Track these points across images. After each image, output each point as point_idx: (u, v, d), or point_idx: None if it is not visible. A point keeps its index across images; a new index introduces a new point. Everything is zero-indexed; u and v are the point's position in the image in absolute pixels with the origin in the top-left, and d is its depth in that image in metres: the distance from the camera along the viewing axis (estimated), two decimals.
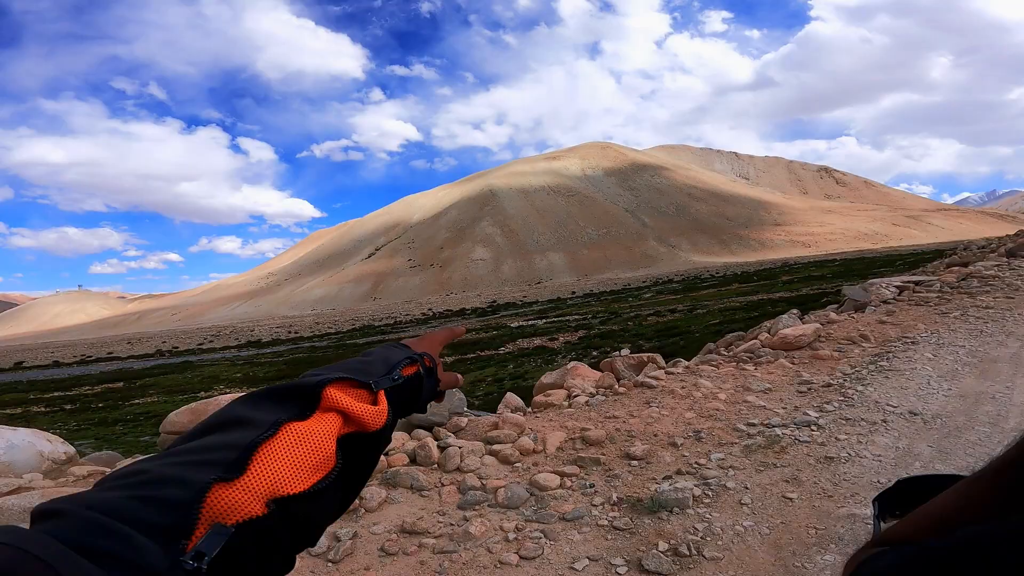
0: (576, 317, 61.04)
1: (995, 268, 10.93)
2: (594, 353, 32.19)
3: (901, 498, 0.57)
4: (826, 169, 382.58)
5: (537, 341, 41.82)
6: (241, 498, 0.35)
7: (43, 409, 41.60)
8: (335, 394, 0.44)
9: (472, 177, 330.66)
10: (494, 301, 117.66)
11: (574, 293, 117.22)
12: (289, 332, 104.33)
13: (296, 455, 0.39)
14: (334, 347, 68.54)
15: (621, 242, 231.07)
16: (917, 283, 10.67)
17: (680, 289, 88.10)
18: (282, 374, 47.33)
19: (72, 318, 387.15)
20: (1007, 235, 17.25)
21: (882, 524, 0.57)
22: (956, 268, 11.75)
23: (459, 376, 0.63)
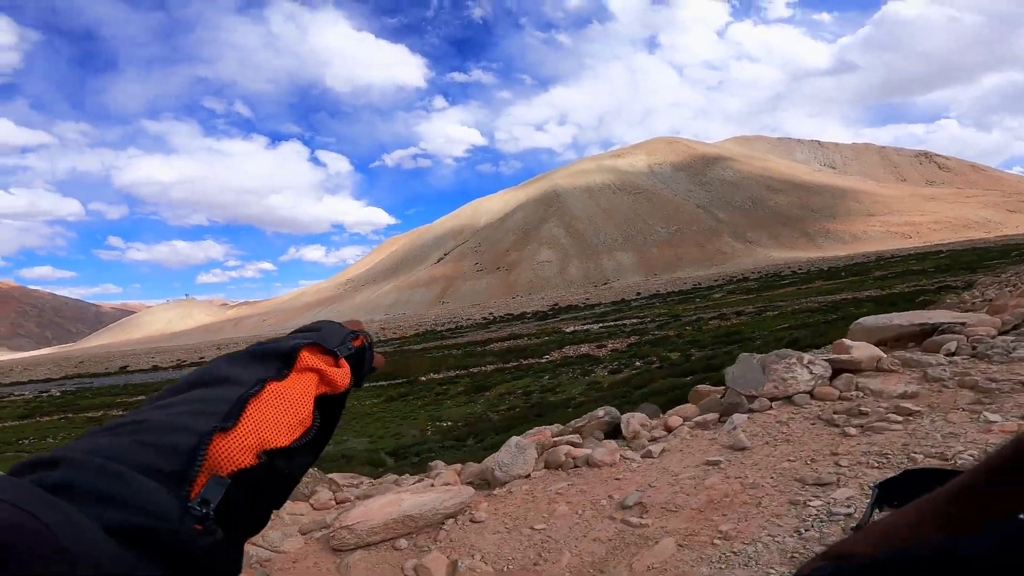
0: (634, 321, 58.19)
1: None
2: (637, 363, 29.90)
3: (904, 489, 0.56)
4: (926, 154, 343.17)
5: (584, 348, 39.83)
6: (236, 448, 0.37)
7: (121, 412, 45.35)
8: (308, 356, 0.47)
9: (536, 179, 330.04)
10: (556, 304, 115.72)
11: (639, 294, 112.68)
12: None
13: (281, 411, 0.41)
14: (396, 352, 70.02)
15: (693, 239, 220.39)
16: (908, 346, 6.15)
17: (755, 288, 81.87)
18: None
19: (181, 324, 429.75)
20: None
21: (876, 512, 0.56)
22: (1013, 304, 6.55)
23: (382, 357, 0.67)
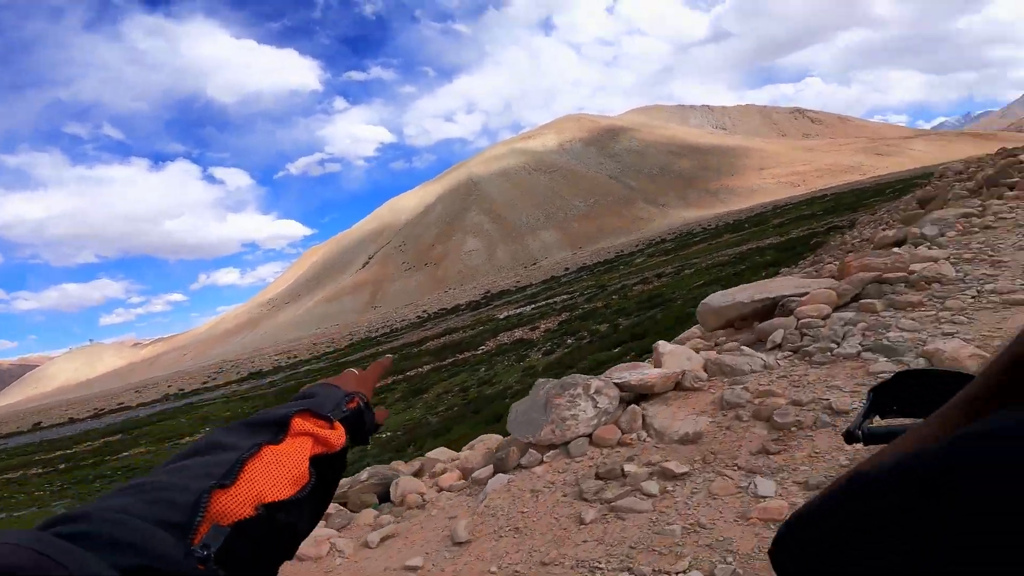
0: (564, 297, 59.43)
1: (960, 222, 7.03)
2: (569, 341, 30.63)
3: (900, 392, 0.55)
4: (799, 110, 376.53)
5: (518, 333, 40.15)
6: (235, 502, 0.42)
7: (40, 471, 40.76)
8: (301, 422, 0.52)
9: (451, 169, 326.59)
10: (488, 291, 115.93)
11: (567, 270, 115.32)
12: (289, 358, 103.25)
13: (277, 470, 0.46)
14: (331, 367, 67.41)
15: (611, 209, 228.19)
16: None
17: (672, 248, 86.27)
18: (270, 406, 46.11)
19: (91, 371, 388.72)
20: (987, 155, 15.19)
21: (873, 419, 0.55)
22: (881, 252, 6.34)
23: (386, 411, 0.69)
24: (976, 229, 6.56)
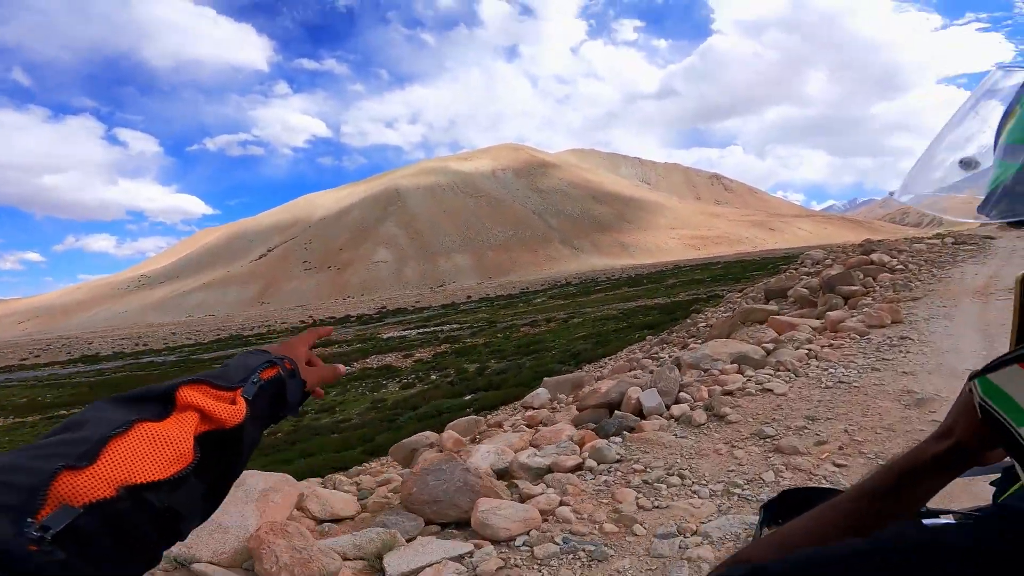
0: (454, 326, 56.87)
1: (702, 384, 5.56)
2: (433, 376, 27.93)
3: (785, 508, 0.61)
4: (716, 176, 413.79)
5: (390, 358, 36.83)
6: (89, 483, 0.37)
7: None
8: (190, 394, 0.47)
9: (379, 176, 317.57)
10: (384, 307, 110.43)
11: (469, 298, 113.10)
12: (137, 344, 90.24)
13: (148, 449, 0.41)
14: (179, 363, 58.91)
15: (527, 244, 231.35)
16: None
17: (573, 293, 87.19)
18: (75, 400, 38.45)
19: None
20: (852, 245, 14.68)
21: (764, 531, 0.61)
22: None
23: (339, 367, 0.64)
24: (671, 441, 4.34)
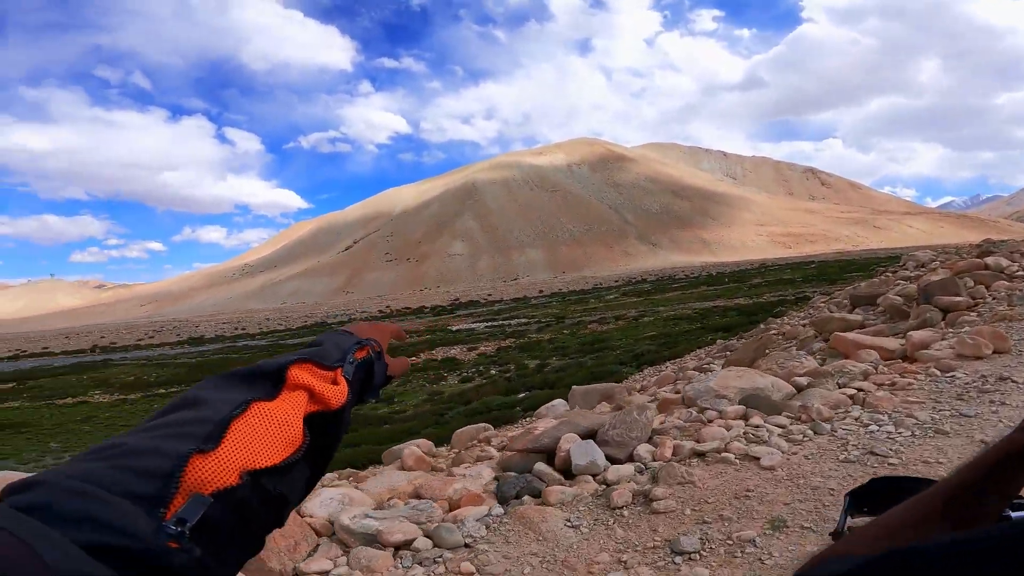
0: (522, 320, 56.67)
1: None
2: (493, 371, 27.78)
3: (874, 496, 0.59)
4: (812, 170, 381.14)
5: (455, 351, 37.15)
6: (217, 469, 0.36)
7: None
8: (299, 374, 0.45)
9: (456, 171, 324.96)
10: (457, 299, 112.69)
11: (541, 292, 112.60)
12: (236, 328, 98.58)
13: (267, 431, 0.40)
14: (269, 347, 63.55)
15: (602, 239, 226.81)
16: None
17: (648, 291, 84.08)
18: (175, 379, 42.37)
19: (40, 307, 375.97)
20: (967, 246, 12.54)
21: (850, 519, 0.59)
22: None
23: (407, 360, 0.64)
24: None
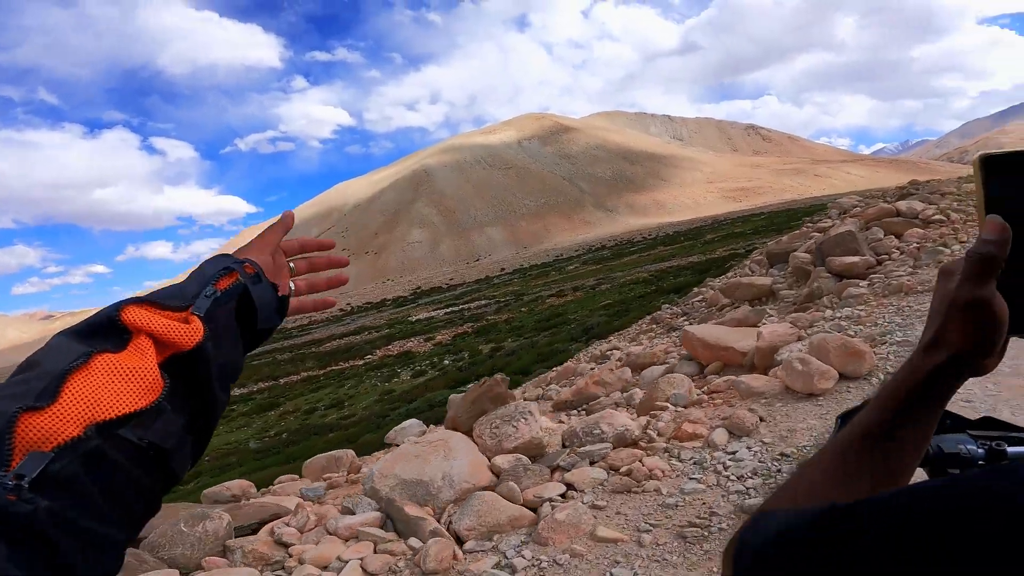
0: (482, 303, 56.09)
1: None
2: (446, 361, 27.07)
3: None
4: (753, 127, 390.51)
5: (412, 343, 36.26)
6: (54, 424, 0.34)
7: None
8: (137, 318, 0.41)
9: (406, 158, 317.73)
10: (419, 288, 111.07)
11: (503, 270, 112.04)
12: None
13: (113, 380, 0.37)
14: None
15: (560, 211, 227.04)
16: None
17: (607, 257, 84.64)
18: None
19: None
20: (893, 189, 12.41)
21: None
22: None
23: (328, 300, 0.56)
24: None
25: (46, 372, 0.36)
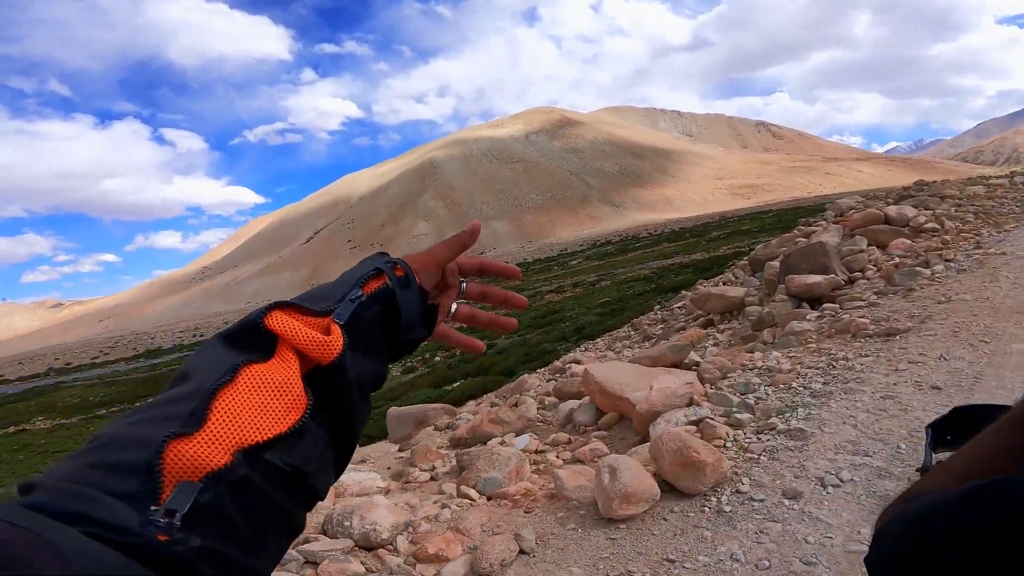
0: None
1: None
2: (437, 358, 26.77)
3: (955, 426, 0.56)
4: (763, 123, 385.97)
5: None
6: (203, 451, 0.32)
7: None
8: (280, 324, 0.37)
9: (413, 151, 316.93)
10: None
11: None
12: (194, 335, 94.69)
13: (260, 398, 0.34)
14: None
15: (567, 205, 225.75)
16: None
17: (611, 252, 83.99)
18: (122, 398, 40.13)
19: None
20: (900, 189, 11.83)
21: (933, 453, 0.56)
22: None
23: (475, 343, 0.52)
24: None
25: (196, 390, 0.34)
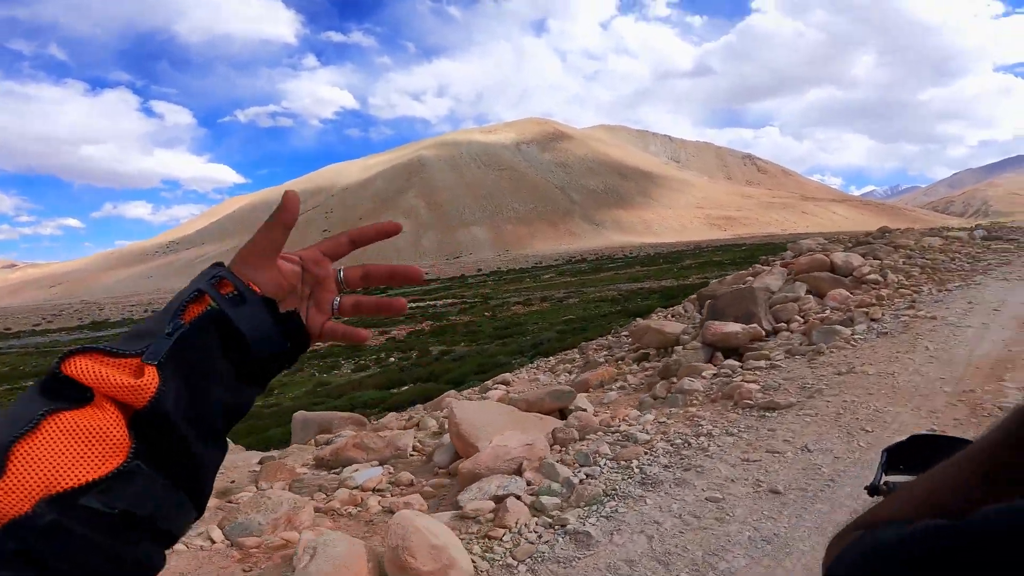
0: (450, 301, 55.02)
1: None
2: (392, 359, 26.03)
3: (911, 454, 0.56)
4: (750, 156, 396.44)
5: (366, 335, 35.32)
6: (2, 500, 0.30)
7: None
8: (81, 368, 0.34)
9: (404, 147, 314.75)
10: None
11: (480, 271, 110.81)
12: (146, 310, 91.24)
13: (70, 444, 0.32)
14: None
15: (547, 218, 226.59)
16: None
17: (584, 270, 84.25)
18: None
19: None
20: (866, 234, 11.79)
21: (885, 476, 0.56)
22: None
23: (360, 333, 0.46)
24: None
25: None
